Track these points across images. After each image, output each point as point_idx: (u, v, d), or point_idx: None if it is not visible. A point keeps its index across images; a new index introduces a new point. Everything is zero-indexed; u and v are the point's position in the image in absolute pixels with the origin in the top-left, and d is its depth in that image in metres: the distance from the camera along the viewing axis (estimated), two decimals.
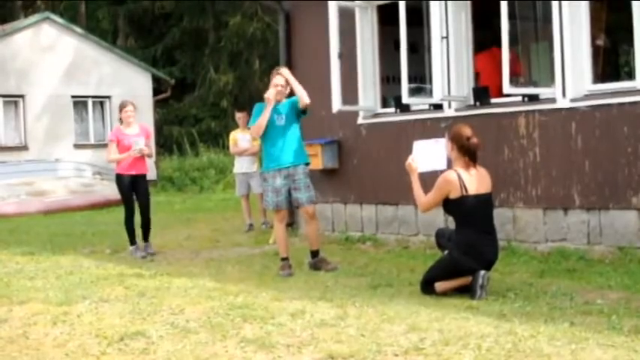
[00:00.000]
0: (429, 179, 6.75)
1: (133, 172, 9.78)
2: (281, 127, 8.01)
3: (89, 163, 21.03)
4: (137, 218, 9.92)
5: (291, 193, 8.04)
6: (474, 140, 6.47)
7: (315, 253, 8.20)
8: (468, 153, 6.46)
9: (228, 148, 14.67)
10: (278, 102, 8.05)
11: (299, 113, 8.10)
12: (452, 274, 6.39)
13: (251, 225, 12.19)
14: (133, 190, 9.84)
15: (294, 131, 8.10)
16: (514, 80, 8.69)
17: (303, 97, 7.98)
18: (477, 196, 6.37)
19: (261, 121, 7.98)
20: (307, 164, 8.21)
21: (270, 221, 12.03)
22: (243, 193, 12.51)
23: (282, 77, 8.06)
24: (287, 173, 7.99)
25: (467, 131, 6.50)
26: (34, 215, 16.55)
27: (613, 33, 10.67)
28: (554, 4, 8.05)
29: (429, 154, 6.74)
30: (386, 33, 10.35)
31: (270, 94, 7.97)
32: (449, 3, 9.03)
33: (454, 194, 6.36)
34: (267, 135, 8.05)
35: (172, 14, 32.43)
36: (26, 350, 5.23)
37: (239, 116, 12.84)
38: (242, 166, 12.52)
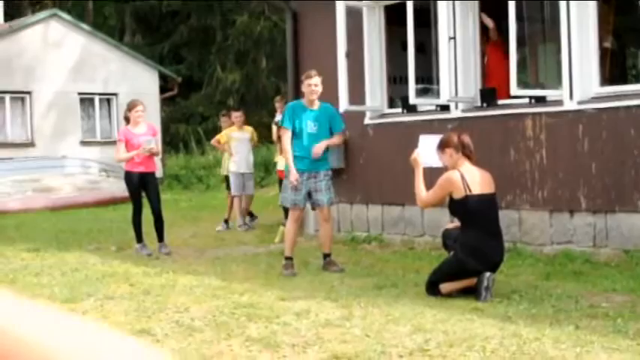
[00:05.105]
0: (434, 176, 6.74)
1: (142, 169, 9.75)
2: (313, 134, 8.08)
3: (96, 160, 21.03)
4: (145, 216, 9.91)
5: (311, 195, 8.09)
6: (464, 136, 6.58)
7: (326, 256, 8.22)
8: (464, 147, 6.52)
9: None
10: (311, 103, 8.10)
11: (331, 127, 8.18)
12: (457, 276, 6.40)
13: (227, 221, 12.41)
14: (143, 188, 9.83)
15: (325, 139, 8.14)
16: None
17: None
18: (481, 196, 6.38)
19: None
20: (330, 169, 8.27)
21: (249, 224, 12.32)
22: (238, 193, 12.60)
23: (318, 77, 8.08)
24: (309, 175, 8.04)
25: (453, 134, 6.64)
26: (40, 211, 16.59)
27: (620, 35, 10.66)
28: (562, 6, 8.03)
29: (434, 149, 6.74)
30: (393, 33, 10.35)
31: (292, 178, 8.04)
32: (456, 4, 9.03)
33: (457, 194, 6.37)
34: (298, 139, 8.09)
35: (180, 12, 32.43)
36: None
37: (236, 115, 12.98)
38: (240, 166, 12.60)
